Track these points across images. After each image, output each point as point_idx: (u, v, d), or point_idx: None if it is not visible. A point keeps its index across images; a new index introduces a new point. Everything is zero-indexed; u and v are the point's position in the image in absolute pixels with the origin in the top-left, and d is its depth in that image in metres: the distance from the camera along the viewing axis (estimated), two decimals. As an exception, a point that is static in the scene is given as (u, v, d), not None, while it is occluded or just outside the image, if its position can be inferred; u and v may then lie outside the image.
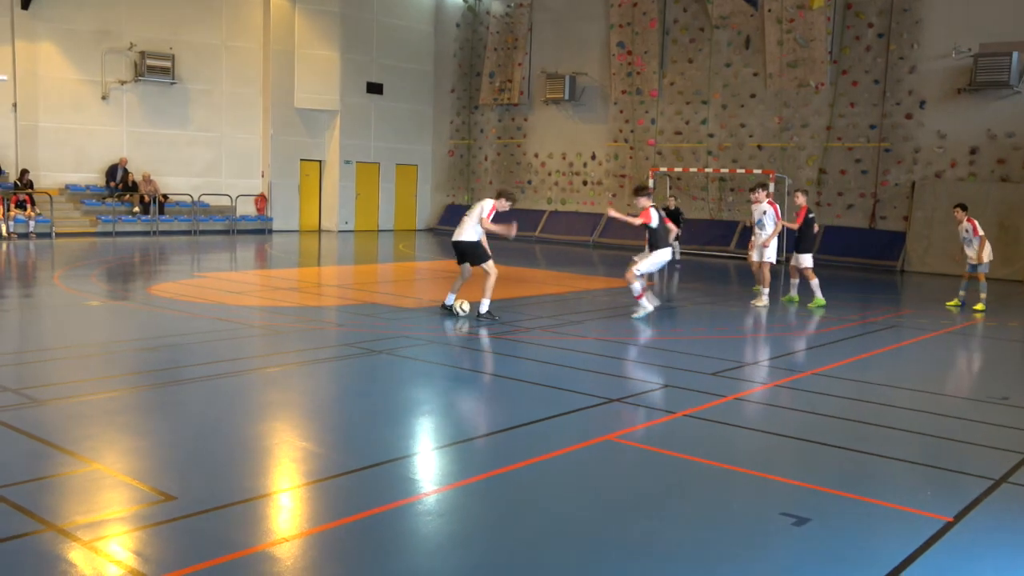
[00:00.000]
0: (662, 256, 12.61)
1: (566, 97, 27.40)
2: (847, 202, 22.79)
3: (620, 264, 20.23)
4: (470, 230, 11.94)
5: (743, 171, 23.45)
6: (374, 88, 29.33)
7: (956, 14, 21.01)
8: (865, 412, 7.51)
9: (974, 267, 14.42)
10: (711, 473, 5.89)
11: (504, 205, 12.18)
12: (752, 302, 14.08)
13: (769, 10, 23.29)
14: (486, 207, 11.98)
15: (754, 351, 10.82)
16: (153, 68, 24.91)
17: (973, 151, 20.95)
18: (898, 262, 21.54)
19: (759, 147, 24.20)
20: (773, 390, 8.35)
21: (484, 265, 11.88)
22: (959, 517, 5.11)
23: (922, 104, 21.65)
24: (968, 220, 14.47)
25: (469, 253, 11.97)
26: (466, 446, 6.34)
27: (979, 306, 14.16)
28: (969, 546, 4.78)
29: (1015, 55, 19.74)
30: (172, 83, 25.42)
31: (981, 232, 14.35)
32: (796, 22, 22.88)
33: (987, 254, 14.30)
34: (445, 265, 20.05)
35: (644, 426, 6.86)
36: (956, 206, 14.88)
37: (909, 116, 21.84)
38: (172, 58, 25.27)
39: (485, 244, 12.10)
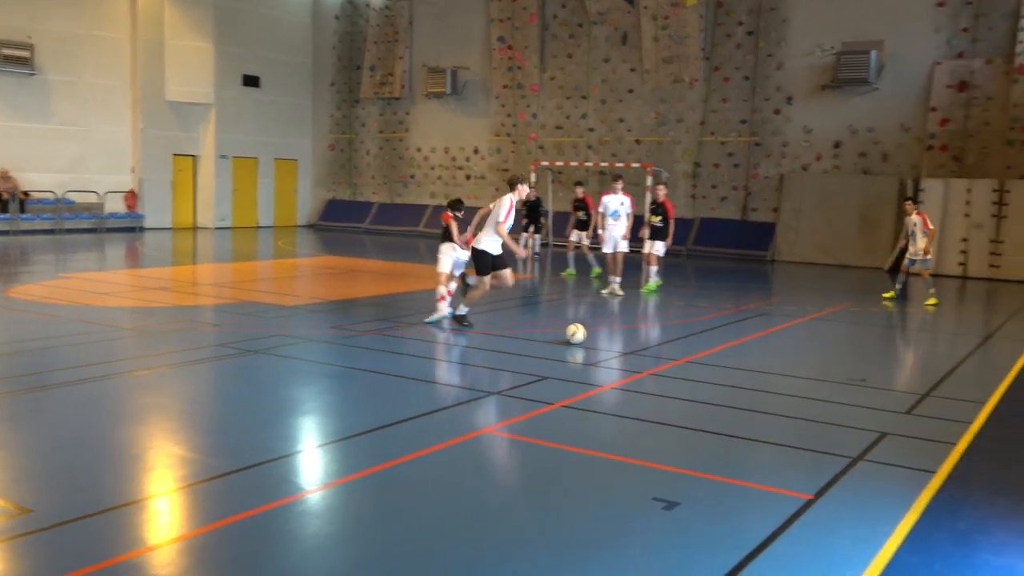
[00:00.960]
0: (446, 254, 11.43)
1: (448, 91, 27.36)
2: (720, 195, 23.57)
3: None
4: (485, 239, 10.68)
5: (622, 165, 23.92)
6: (250, 81, 28.57)
7: (820, 14, 21.99)
8: (734, 397, 7.80)
9: (914, 262, 14.43)
10: (587, 462, 6.01)
11: (524, 192, 10.88)
12: (603, 291, 14.50)
13: (645, 7, 23.82)
14: (503, 208, 10.60)
15: (630, 341, 11.07)
16: (9, 58, 23.52)
17: (837, 145, 21.99)
18: (768, 252, 22.42)
19: (637, 141, 24.75)
20: (647, 378, 8.57)
21: (483, 277, 10.82)
22: (819, 495, 5.36)
23: (789, 100, 22.58)
24: (918, 214, 14.51)
25: (475, 260, 10.77)
26: (344, 444, 6.27)
27: (931, 300, 14.19)
28: (828, 522, 5.02)
29: (873, 53, 20.81)
30: (31, 74, 24.07)
31: (932, 226, 14.44)
32: (671, 19, 23.48)
33: (925, 249, 14.28)
34: (327, 261, 19.76)
35: (522, 418, 6.93)
36: (906, 199, 15.03)
37: (777, 111, 22.75)
38: (31, 48, 23.92)
39: (495, 252, 10.74)
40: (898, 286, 14.89)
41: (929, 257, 14.41)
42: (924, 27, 20.73)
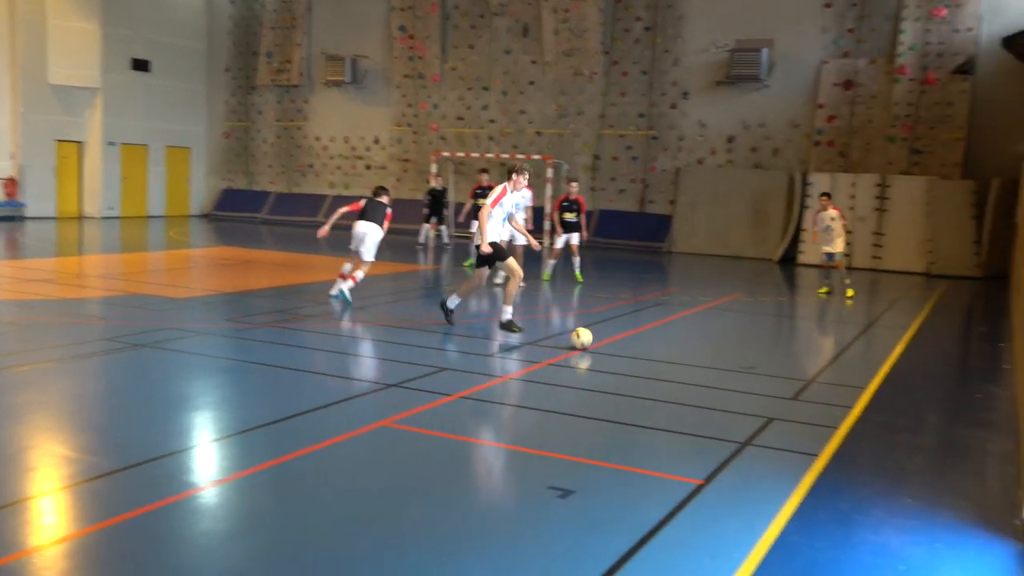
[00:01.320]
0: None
1: (348, 80, 26.96)
2: (619, 187, 23.94)
3: (405, 249, 20.23)
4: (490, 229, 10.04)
5: (523, 157, 24.01)
6: (140, 65, 27.54)
7: (714, 11, 22.55)
8: (629, 386, 7.94)
9: (831, 256, 14.60)
10: (484, 452, 6.03)
11: (519, 183, 10.10)
12: (496, 280, 14.14)
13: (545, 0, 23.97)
14: (494, 194, 10.07)
15: (529, 332, 11.14)
16: None
17: (730, 140, 22.61)
18: (665, 244, 22.90)
19: (538, 133, 24.91)
20: (544, 368, 8.64)
21: (480, 270, 10.33)
22: (709, 479, 5.51)
23: (685, 95, 23.09)
24: (834, 208, 14.65)
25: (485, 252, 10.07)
26: (237, 439, 6.12)
27: (849, 292, 14.46)
28: (717, 505, 5.17)
29: (765, 51, 21.46)
30: (-101, 52, 22.69)
31: (845, 220, 14.62)
32: (571, 12, 23.68)
33: (842, 242, 14.52)
34: (221, 252, 19.25)
35: (419, 410, 6.90)
36: (822, 195, 14.99)
37: (674, 106, 23.23)
38: (-101, 25, 22.55)
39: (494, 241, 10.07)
40: (827, 280, 14.99)
41: (843, 250, 14.60)
42: (812, 27, 21.49)
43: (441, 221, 21.30)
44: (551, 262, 15.55)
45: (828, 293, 14.90)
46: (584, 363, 8.91)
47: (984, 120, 19.92)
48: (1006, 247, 18.07)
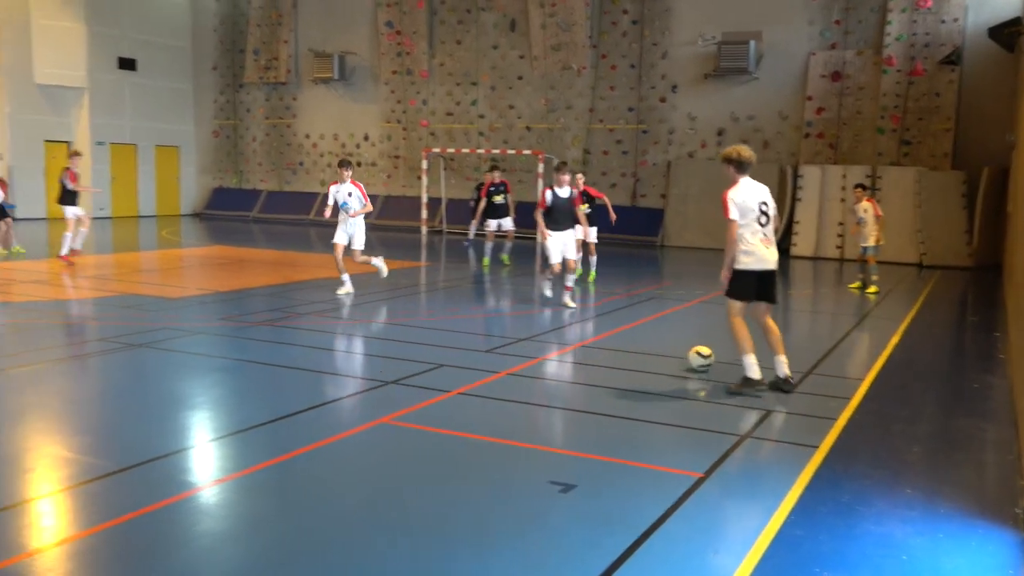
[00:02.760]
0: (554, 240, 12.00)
1: (336, 76, 26.87)
2: (610, 181, 23.93)
3: (398, 245, 20.19)
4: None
5: (514, 152, 24.03)
6: (126, 64, 27.41)
7: (702, 4, 22.55)
8: (626, 380, 7.95)
9: (865, 249, 14.34)
10: (484, 448, 6.03)
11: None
12: (337, 291, 12.56)
13: (533, -6, 23.93)
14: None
15: (528, 327, 11.14)
16: None
17: (720, 132, 22.63)
18: (658, 237, 22.92)
19: (528, 128, 24.89)
20: (543, 363, 8.65)
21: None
22: (709, 472, 5.52)
23: (674, 88, 23.10)
24: (868, 200, 14.41)
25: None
26: (236, 438, 6.10)
27: (872, 288, 14.29)
28: (718, 499, 5.18)
29: (752, 44, 21.48)
30: None
31: (880, 213, 14.36)
32: (557, 6, 23.65)
33: (875, 236, 14.25)
34: (214, 251, 19.18)
35: (419, 407, 6.89)
36: (856, 186, 14.75)
37: (663, 99, 23.24)
38: None
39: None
40: (861, 275, 14.74)
41: (880, 243, 14.33)
42: (799, 19, 21.52)
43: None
44: (593, 259, 15.00)
45: (860, 288, 14.58)
46: (578, 358, 8.90)
47: (972, 110, 19.99)
48: (997, 236, 18.15)
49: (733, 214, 7.29)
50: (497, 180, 17.03)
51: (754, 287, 7.47)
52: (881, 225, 14.33)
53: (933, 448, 6.48)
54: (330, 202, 12.68)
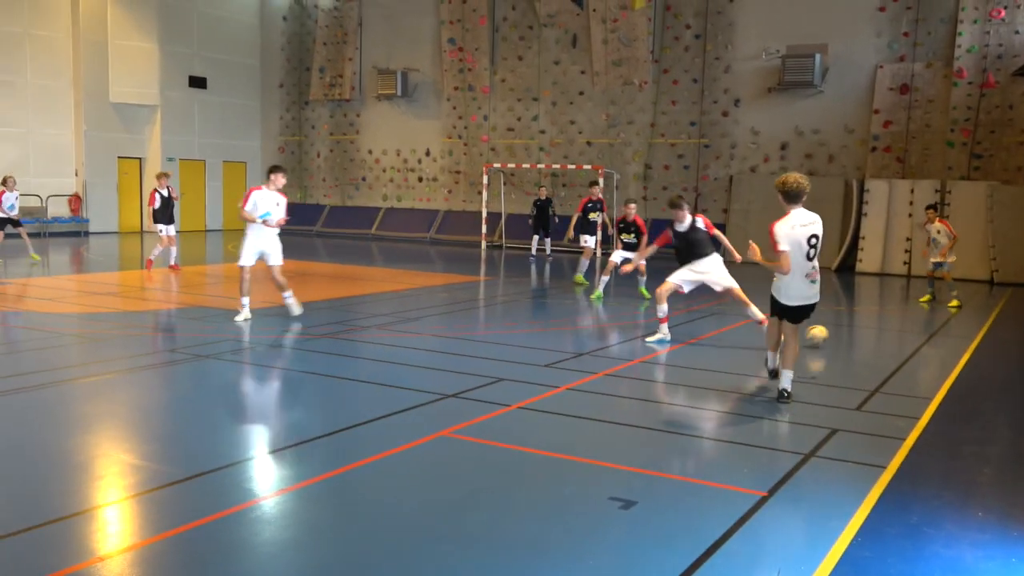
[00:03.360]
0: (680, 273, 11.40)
1: (399, 93, 27.22)
2: (671, 196, 23.71)
3: (458, 260, 20.32)
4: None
5: (574, 167, 24.04)
6: (197, 82, 28.14)
7: (765, 18, 22.31)
8: (688, 396, 7.87)
9: (939, 265, 14.48)
10: (544, 463, 6.01)
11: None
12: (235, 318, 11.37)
13: (594, 10, 23.96)
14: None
15: (587, 342, 11.11)
16: (-56, 58, 22.90)
17: (783, 147, 22.34)
18: (719, 253, 22.58)
19: (588, 143, 24.88)
20: (602, 379, 8.60)
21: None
22: (772, 491, 5.42)
23: (737, 102, 22.88)
24: (940, 221, 14.57)
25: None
26: (298, 449, 6.19)
27: (954, 303, 14.32)
28: (782, 518, 5.09)
29: (818, 57, 21.18)
30: (-33, 75, 23.46)
31: (955, 232, 14.49)
32: (619, 22, 23.64)
33: (951, 254, 14.39)
34: (277, 265, 19.47)
35: (478, 420, 6.91)
36: (928, 208, 14.95)
37: (725, 113, 23.03)
38: (-33, 47, 23.32)
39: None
40: (931, 288, 15.06)
41: (952, 260, 14.42)
42: (866, 31, 21.16)
43: (547, 233, 21.45)
44: (604, 278, 15.07)
45: (929, 301, 14.77)
46: (638, 374, 8.84)
47: (1048, 123, 19.41)
48: (1073, 253, 17.54)
49: (783, 247, 7.25)
50: (596, 196, 16.82)
51: (788, 313, 7.58)
52: (955, 244, 14.35)
53: (1005, 470, 6.27)
54: (248, 207, 11.48)
